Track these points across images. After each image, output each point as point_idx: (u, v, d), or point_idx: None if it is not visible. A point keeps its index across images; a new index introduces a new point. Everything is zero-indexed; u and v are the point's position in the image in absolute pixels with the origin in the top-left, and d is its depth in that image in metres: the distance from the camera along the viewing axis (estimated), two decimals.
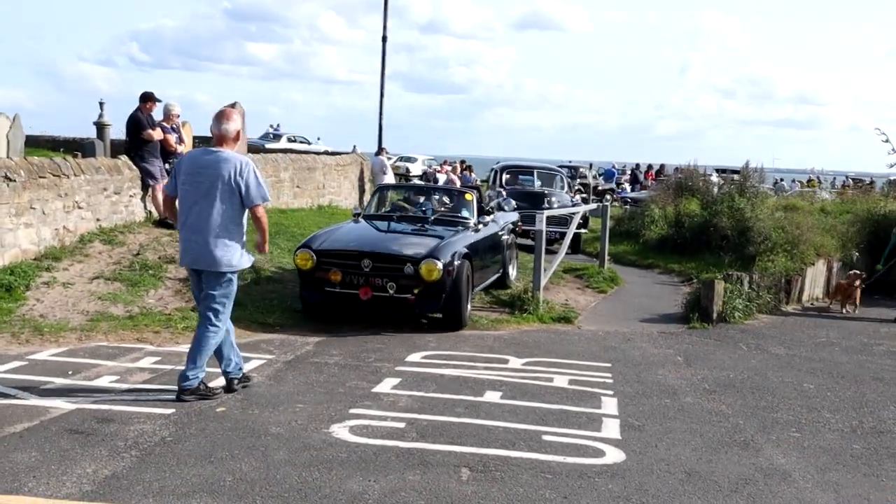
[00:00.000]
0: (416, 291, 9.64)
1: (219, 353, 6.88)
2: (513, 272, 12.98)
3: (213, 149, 6.72)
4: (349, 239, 10.35)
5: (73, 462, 5.19)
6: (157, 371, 7.48)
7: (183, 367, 6.74)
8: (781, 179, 38.96)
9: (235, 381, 6.99)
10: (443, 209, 11.82)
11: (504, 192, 18.93)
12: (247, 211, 6.73)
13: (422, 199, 12.25)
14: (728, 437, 6.55)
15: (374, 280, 9.67)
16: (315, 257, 9.82)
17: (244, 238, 6.78)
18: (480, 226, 11.38)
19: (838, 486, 5.59)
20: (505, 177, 21.13)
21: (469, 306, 10.40)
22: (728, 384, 8.34)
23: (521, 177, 21.47)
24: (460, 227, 11.06)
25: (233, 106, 21.47)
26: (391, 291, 9.63)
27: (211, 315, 6.68)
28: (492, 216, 12.07)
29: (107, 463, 5.20)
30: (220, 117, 6.77)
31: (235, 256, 6.69)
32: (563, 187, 20.89)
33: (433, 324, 10.12)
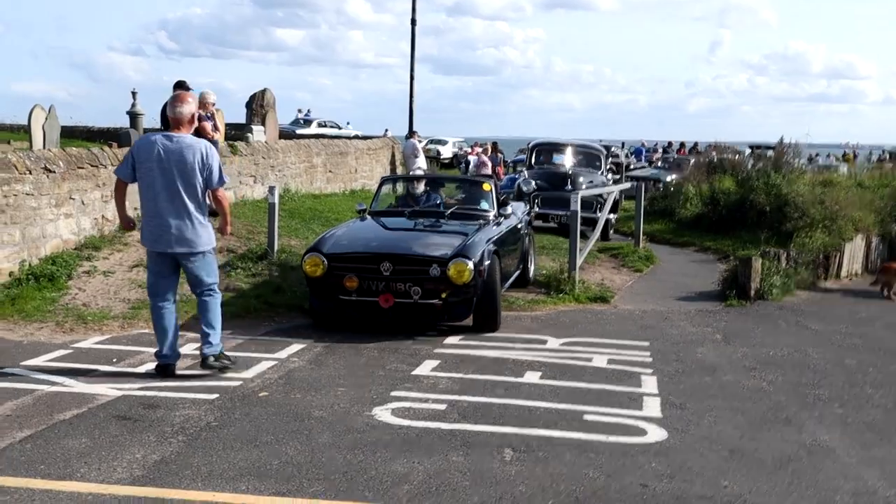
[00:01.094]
0: (443, 296, 8.63)
1: (164, 334, 7.04)
2: (532, 268, 11.81)
3: (174, 134, 6.84)
4: (363, 240, 9.37)
5: (122, 448, 5.27)
6: (199, 357, 7.54)
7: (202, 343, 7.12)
8: (817, 155, 38.49)
9: (171, 367, 7.09)
10: (456, 201, 10.81)
11: (526, 173, 18.49)
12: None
13: (430, 192, 11.22)
14: (770, 414, 6.52)
15: (396, 285, 8.56)
16: (326, 262, 8.71)
17: (207, 216, 7.04)
18: (502, 218, 10.30)
19: (883, 462, 5.55)
20: (538, 156, 19.83)
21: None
22: (768, 361, 8.30)
23: (556, 156, 19.69)
24: (481, 221, 9.98)
25: (263, 93, 21.60)
26: (416, 297, 8.57)
27: (210, 291, 7.05)
28: (510, 206, 10.87)
29: (155, 448, 5.29)
30: (175, 101, 6.95)
31: (209, 235, 6.97)
32: (600, 168, 19.25)
33: (462, 329, 9.02)
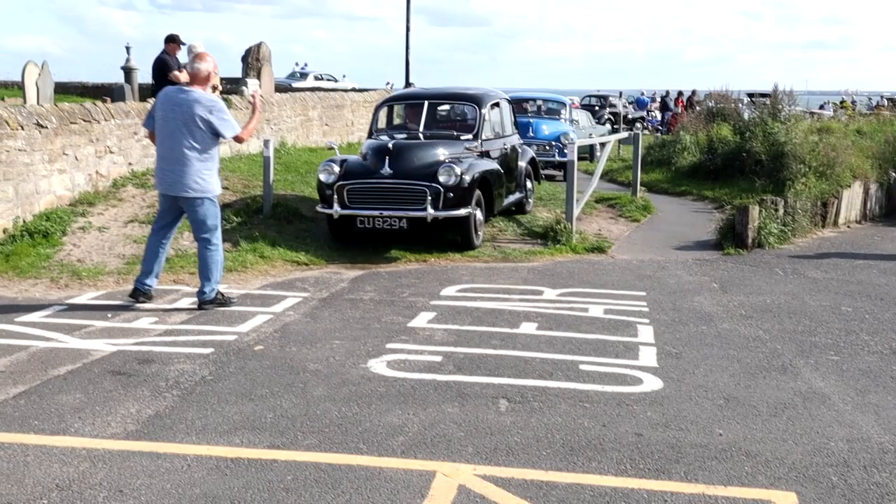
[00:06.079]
0: None
1: (143, 261, 7.83)
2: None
3: (186, 88, 7.54)
4: None
5: (116, 403, 5.27)
6: (194, 312, 7.55)
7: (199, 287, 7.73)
8: (807, 105, 38.03)
9: (143, 297, 7.79)
10: None
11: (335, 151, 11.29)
12: (217, 143, 7.58)
13: None
14: (766, 362, 6.52)
15: None
16: None
17: (215, 166, 7.61)
18: None
19: (878, 408, 5.55)
20: (392, 119, 12.61)
21: None
22: (765, 309, 8.28)
23: (410, 117, 12.36)
24: None
25: (258, 47, 21.38)
26: None
27: (207, 236, 7.59)
28: None
29: (149, 403, 5.28)
30: (195, 58, 7.63)
31: (206, 183, 7.50)
32: (474, 129, 11.40)
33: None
